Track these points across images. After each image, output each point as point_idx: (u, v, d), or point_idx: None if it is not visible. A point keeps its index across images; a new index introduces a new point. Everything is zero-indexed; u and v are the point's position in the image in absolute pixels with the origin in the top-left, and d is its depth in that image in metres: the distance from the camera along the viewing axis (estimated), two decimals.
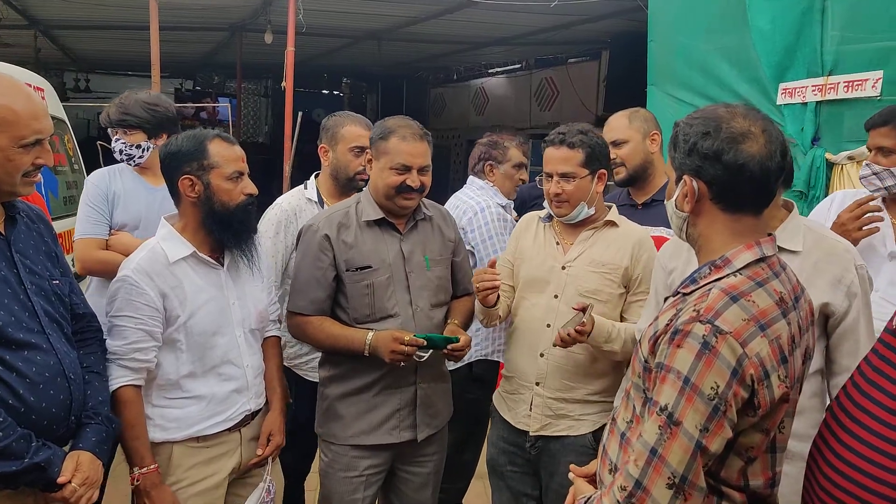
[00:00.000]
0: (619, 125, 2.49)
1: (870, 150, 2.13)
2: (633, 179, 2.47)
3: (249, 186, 1.85)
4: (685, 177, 1.29)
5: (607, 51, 7.20)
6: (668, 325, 1.23)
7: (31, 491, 1.50)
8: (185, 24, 6.88)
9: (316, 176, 2.66)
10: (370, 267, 2.05)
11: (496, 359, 2.75)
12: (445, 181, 9.15)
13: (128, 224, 2.42)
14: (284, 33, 5.15)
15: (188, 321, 1.80)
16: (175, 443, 1.81)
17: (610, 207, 2.19)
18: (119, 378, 1.73)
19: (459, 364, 2.60)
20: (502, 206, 2.80)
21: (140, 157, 2.45)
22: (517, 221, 3.14)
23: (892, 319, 1.24)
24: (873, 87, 2.48)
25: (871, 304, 1.97)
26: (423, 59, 9.52)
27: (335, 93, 13.16)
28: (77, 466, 1.52)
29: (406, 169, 2.03)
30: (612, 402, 2.04)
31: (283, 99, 5.19)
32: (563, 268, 2.10)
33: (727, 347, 1.15)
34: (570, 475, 1.55)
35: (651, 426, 1.20)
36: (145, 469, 1.73)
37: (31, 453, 1.43)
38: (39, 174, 1.54)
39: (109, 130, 2.46)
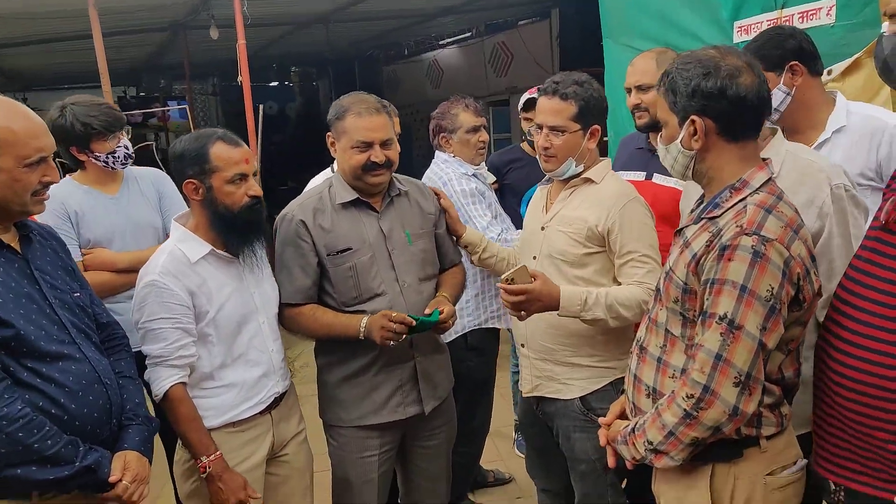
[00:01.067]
0: (646, 68, 2.32)
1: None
2: (656, 126, 2.40)
3: (254, 188, 1.86)
4: (693, 116, 1.40)
5: (556, 8, 7.23)
6: (709, 245, 1.36)
7: (82, 495, 1.54)
8: (123, 29, 6.69)
9: None
10: (350, 249, 2.04)
11: (491, 325, 2.78)
12: (408, 159, 9.14)
13: (101, 241, 2.36)
14: (229, 27, 5.07)
15: (216, 315, 1.85)
16: (213, 430, 1.87)
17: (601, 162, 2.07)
18: (169, 378, 1.79)
19: (455, 336, 2.64)
20: (472, 175, 2.76)
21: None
22: (496, 187, 3.21)
23: (878, 213, 1.37)
24: (827, 14, 2.51)
25: None
26: (372, 38, 9.42)
27: (286, 83, 12.98)
28: (126, 465, 1.57)
29: (367, 145, 2.00)
30: (605, 367, 2.00)
31: (233, 96, 5.14)
32: (543, 228, 2.07)
33: (775, 252, 1.30)
34: (602, 420, 1.67)
35: (712, 336, 1.33)
36: (212, 457, 1.80)
37: (80, 457, 1.48)
38: (48, 192, 1.55)
39: (95, 143, 2.32)
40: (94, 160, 2.36)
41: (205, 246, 1.87)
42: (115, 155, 2.37)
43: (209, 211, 1.85)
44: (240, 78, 5.04)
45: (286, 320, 2.09)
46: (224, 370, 1.89)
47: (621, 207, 1.94)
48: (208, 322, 1.84)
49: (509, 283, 1.83)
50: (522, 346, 2.12)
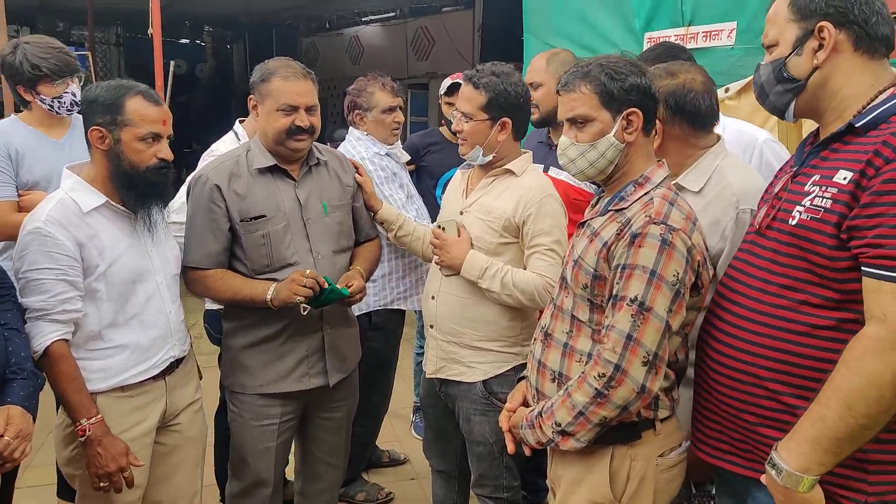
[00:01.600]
0: (537, 67, 2.48)
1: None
2: (546, 122, 2.51)
3: (164, 151, 1.79)
4: (632, 109, 1.50)
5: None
6: (619, 234, 1.46)
7: None
8: None
9: (241, 121, 2.56)
10: (264, 216, 2.02)
11: (396, 307, 2.79)
12: (323, 133, 8.95)
13: (39, 183, 2.30)
14: None
15: (108, 270, 1.77)
16: (100, 393, 1.79)
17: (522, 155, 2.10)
18: (50, 334, 1.69)
19: (359, 313, 2.63)
20: (386, 154, 2.72)
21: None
22: (412, 168, 3.23)
23: (752, 220, 1.51)
24: (728, 36, 2.71)
25: None
26: (292, 7, 9.17)
27: (197, 42, 12.36)
28: (8, 420, 1.49)
29: (293, 109, 2.00)
30: (509, 352, 2.06)
31: (138, 48, 4.85)
32: (462, 213, 2.10)
33: (680, 241, 1.41)
34: (507, 406, 1.73)
35: (623, 317, 1.42)
36: (93, 420, 1.72)
37: None
38: None
39: (42, 86, 2.30)
40: (39, 102, 2.35)
41: (100, 197, 1.78)
42: (62, 100, 2.35)
43: (112, 163, 1.77)
44: (150, 30, 4.77)
45: (191, 282, 2.05)
46: (115, 330, 1.80)
47: (539, 200, 1.99)
48: (98, 277, 1.75)
49: (441, 230, 2.09)
50: (431, 326, 2.15)
